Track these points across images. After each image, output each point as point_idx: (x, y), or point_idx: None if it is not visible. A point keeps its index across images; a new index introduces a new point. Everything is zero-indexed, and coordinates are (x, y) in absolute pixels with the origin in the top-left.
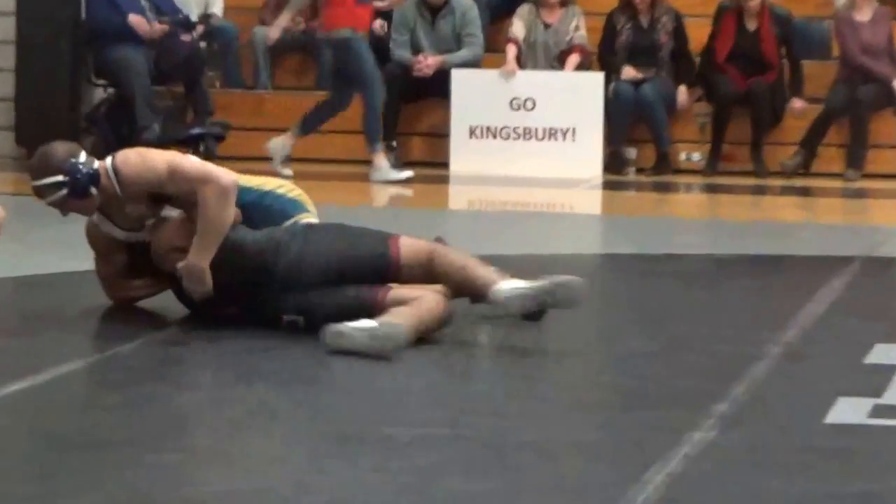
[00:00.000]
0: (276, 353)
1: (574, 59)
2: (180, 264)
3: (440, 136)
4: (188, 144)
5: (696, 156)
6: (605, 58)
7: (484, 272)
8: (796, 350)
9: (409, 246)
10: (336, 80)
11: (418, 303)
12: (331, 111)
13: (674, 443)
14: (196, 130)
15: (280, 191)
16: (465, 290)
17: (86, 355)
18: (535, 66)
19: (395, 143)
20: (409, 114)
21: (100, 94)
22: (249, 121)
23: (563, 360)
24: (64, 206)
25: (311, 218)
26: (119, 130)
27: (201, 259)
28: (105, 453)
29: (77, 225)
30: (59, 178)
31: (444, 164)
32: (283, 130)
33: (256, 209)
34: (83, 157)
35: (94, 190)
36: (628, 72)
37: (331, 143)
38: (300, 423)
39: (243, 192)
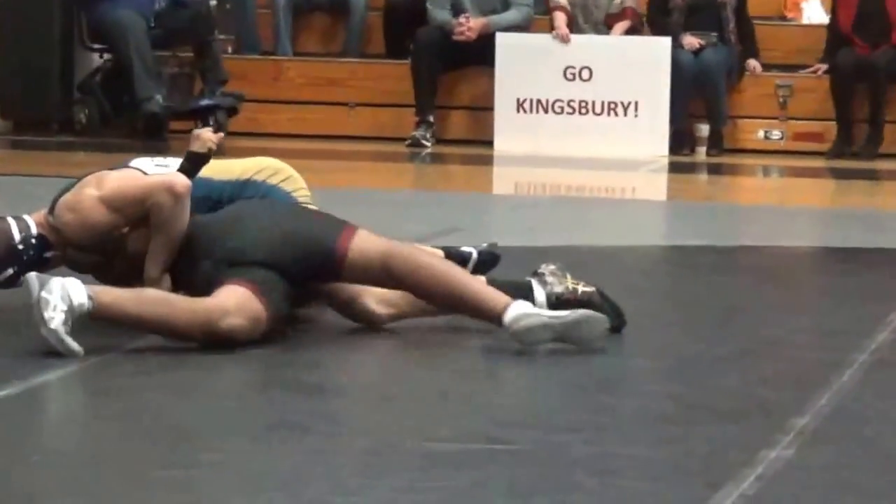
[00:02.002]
0: (295, 359)
1: (623, 24)
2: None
3: (484, 109)
4: (196, 118)
5: (775, 134)
6: (657, 20)
7: (487, 292)
8: (887, 356)
9: (364, 240)
10: None
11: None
12: None
13: (747, 461)
14: (205, 102)
15: (260, 177)
16: (453, 306)
17: (75, 360)
18: (578, 33)
19: (431, 118)
20: (449, 84)
21: (96, 60)
22: (267, 92)
23: (620, 367)
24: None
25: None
26: (117, 102)
27: (153, 270)
28: (105, 469)
29: None
30: (10, 271)
31: (489, 143)
32: (305, 104)
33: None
34: (16, 230)
35: (49, 254)
36: (689, 41)
37: (358, 118)
38: (322, 436)
39: (221, 187)
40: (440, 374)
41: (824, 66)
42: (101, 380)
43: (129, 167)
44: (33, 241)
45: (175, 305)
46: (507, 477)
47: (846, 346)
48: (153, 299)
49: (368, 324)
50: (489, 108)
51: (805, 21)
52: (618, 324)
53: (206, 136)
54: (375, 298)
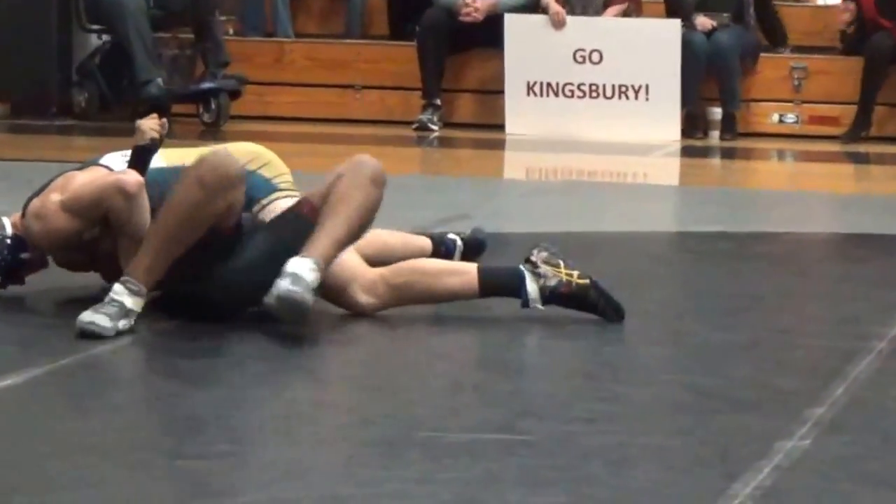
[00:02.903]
0: (305, 347)
1: (616, 8)
2: None
3: (492, 92)
4: (197, 101)
5: (790, 117)
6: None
7: (325, 234)
8: None
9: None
10: None
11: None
12: None
13: (763, 452)
14: (207, 85)
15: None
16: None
17: (85, 346)
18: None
19: (438, 102)
20: (456, 66)
21: (94, 42)
22: (270, 74)
23: (633, 355)
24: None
25: (283, 196)
26: (116, 85)
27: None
28: (111, 459)
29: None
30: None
31: (499, 126)
32: (309, 86)
33: None
34: None
35: (25, 255)
36: (701, 21)
37: (364, 101)
38: (333, 427)
39: (156, 172)
40: (452, 364)
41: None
42: (111, 368)
43: (98, 164)
44: (8, 241)
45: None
46: (521, 468)
47: (863, 334)
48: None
49: (356, 313)
50: (498, 92)
51: (820, 2)
52: (615, 319)
53: (148, 125)
54: (364, 289)
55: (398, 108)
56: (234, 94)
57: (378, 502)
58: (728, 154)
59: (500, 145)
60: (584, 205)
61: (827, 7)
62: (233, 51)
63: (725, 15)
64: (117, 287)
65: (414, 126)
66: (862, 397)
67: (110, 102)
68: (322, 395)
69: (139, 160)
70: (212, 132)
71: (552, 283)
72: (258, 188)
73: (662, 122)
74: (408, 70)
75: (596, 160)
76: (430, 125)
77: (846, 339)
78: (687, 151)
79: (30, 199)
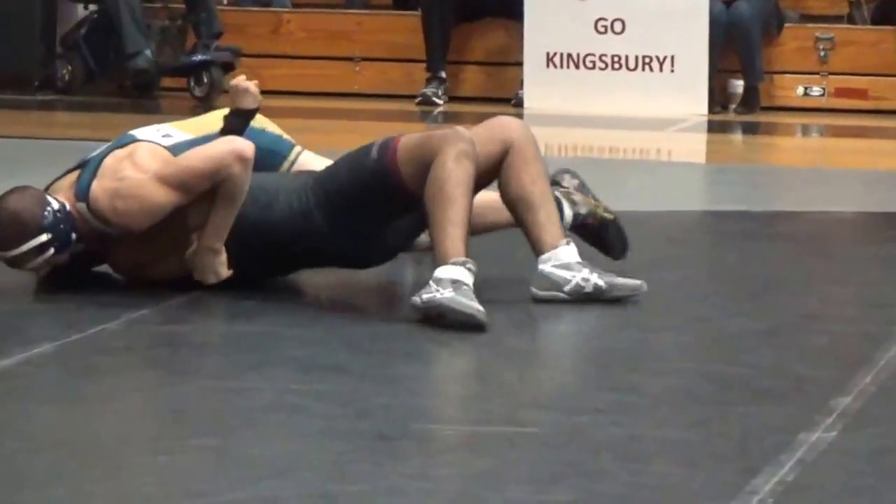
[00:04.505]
0: (297, 336)
1: None
2: (189, 251)
3: (501, 64)
4: (188, 75)
5: (816, 90)
6: None
7: (549, 221)
8: None
9: (407, 143)
10: None
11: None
12: None
13: (786, 445)
14: (198, 57)
15: (207, 129)
16: (515, 210)
17: (61, 335)
18: None
19: (443, 74)
20: (462, 37)
21: (80, 12)
22: (266, 46)
23: (648, 342)
24: (46, 266)
25: (301, 149)
26: (103, 57)
27: (216, 241)
28: (89, 454)
29: (47, 177)
30: (43, 238)
31: (507, 100)
32: (307, 58)
33: None
34: (53, 201)
35: (75, 236)
36: None
37: (364, 74)
38: (324, 419)
39: (207, 141)
40: (453, 351)
41: None
42: (87, 358)
43: (140, 140)
44: (65, 214)
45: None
46: (527, 462)
47: (892, 319)
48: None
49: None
50: (506, 63)
51: None
52: (619, 257)
53: (254, 88)
54: None
55: (400, 82)
56: (228, 67)
57: (371, 500)
58: (751, 129)
59: None
60: (603, 182)
61: None
62: (226, 21)
63: None
64: (461, 270)
65: (417, 100)
66: (891, 386)
67: (96, 76)
68: (313, 386)
69: (239, 126)
70: (204, 107)
71: (583, 210)
72: (280, 145)
73: (689, 94)
74: (411, 41)
75: (616, 135)
76: (434, 99)
77: (874, 325)
78: (709, 126)
79: (51, 186)
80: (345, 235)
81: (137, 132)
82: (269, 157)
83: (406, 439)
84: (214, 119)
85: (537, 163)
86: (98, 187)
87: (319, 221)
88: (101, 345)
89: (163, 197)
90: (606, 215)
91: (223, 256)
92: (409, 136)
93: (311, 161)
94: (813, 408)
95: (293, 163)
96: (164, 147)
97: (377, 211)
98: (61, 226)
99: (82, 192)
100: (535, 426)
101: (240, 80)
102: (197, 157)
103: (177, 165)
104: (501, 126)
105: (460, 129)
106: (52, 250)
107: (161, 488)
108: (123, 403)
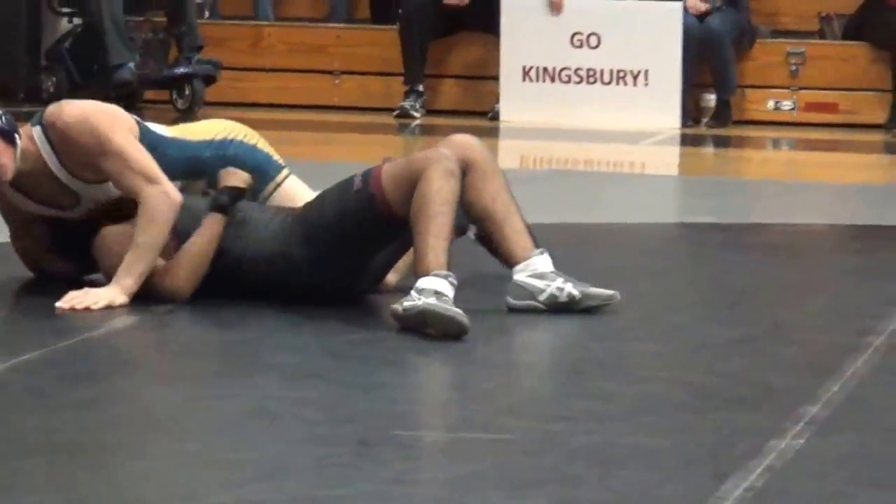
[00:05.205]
0: (280, 343)
1: None
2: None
3: (478, 78)
4: (171, 87)
5: (787, 104)
6: None
7: (517, 233)
8: None
9: (392, 167)
10: None
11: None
12: None
13: (755, 451)
14: (181, 70)
15: (240, 137)
16: (482, 228)
17: (45, 342)
18: None
19: (421, 88)
20: (440, 51)
21: (65, 25)
22: (246, 59)
23: (622, 351)
24: None
25: (287, 173)
26: (87, 69)
27: (131, 282)
28: (74, 460)
29: None
30: None
31: (483, 113)
32: (287, 71)
33: (221, 163)
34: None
35: (17, 137)
36: (693, 4)
37: (343, 87)
38: (306, 425)
39: (201, 146)
40: (432, 360)
41: None
42: (74, 365)
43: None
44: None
45: None
46: (503, 468)
47: (861, 329)
48: None
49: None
50: (483, 77)
51: None
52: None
53: (244, 173)
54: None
55: (379, 95)
56: (209, 80)
57: (353, 503)
58: (723, 142)
59: (488, 133)
60: (577, 195)
61: None
62: (208, 34)
63: None
64: (443, 283)
65: (395, 113)
66: (858, 395)
67: (80, 87)
68: (296, 393)
69: (225, 202)
70: (186, 119)
71: None
72: (266, 161)
73: (662, 108)
74: (389, 55)
75: (591, 148)
76: (412, 112)
77: (843, 335)
78: (682, 140)
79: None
80: (327, 270)
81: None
82: (257, 175)
83: (386, 445)
84: (197, 127)
85: (497, 177)
86: (57, 108)
87: (299, 260)
88: (87, 352)
89: (96, 136)
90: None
91: (123, 297)
92: (392, 162)
93: (294, 188)
94: (782, 415)
95: (279, 185)
96: (135, 118)
97: (363, 242)
98: (8, 116)
99: (37, 118)
100: (511, 433)
101: (229, 168)
102: (141, 152)
103: (127, 141)
104: (461, 145)
105: (443, 149)
106: None
107: (147, 492)
108: (110, 409)
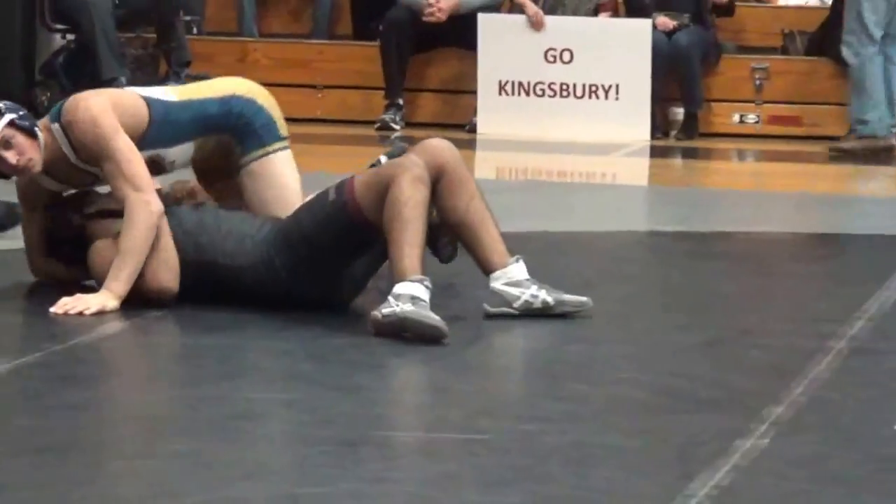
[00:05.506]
0: (262, 346)
1: (603, 17)
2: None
3: (456, 92)
4: None
5: (751, 117)
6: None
7: (493, 240)
8: (864, 344)
9: (364, 175)
10: None
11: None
12: None
13: (722, 451)
14: (170, 84)
15: (248, 95)
16: (457, 234)
17: (37, 347)
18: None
19: (401, 101)
20: (419, 66)
21: (58, 42)
22: (233, 73)
23: (593, 354)
24: (9, 146)
25: (276, 149)
26: (80, 83)
27: (119, 285)
28: (65, 459)
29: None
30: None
31: (461, 126)
32: (272, 85)
33: (227, 118)
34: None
35: (38, 130)
36: (661, 21)
37: (326, 100)
38: (290, 425)
39: (206, 103)
40: (410, 363)
41: None
42: (68, 368)
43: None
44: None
45: None
46: (479, 467)
47: (823, 334)
48: None
49: None
50: (461, 91)
51: (781, 2)
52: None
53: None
54: None
55: (360, 108)
56: None
57: (333, 502)
58: (691, 154)
59: (466, 145)
60: (551, 204)
61: (789, 7)
62: (196, 50)
63: (686, 15)
64: (419, 287)
65: (376, 126)
66: (821, 397)
67: None
68: (280, 395)
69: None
70: None
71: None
72: (265, 134)
73: (632, 121)
74: (370, 69)
75: (565, 159)
76: (392, 125)
77: (806, 339)
78: (652, 151)
79: None
80: (307, 280)
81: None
82: (248, 138)
83: (366, 445)
84: (206, 85)
85: (469, 183)
86: (73, 104)
87: (281, 271)
88: (81, 355)
89: (98, 143)
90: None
91: (114, 302)
92: (364, 172)
93: (280, 165)
94: (748, 416)
95: (267, 154)
96: (143, 97)
97: (340, 251)
98: (21, 107)
99: (55, 113)
100: (486, 433)
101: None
102: (135, 157)
103: (125, 144)
104: (432, 152)
105: (413, 157)
106: (10, 115)
107: (138, 490)
108: (102, 411)
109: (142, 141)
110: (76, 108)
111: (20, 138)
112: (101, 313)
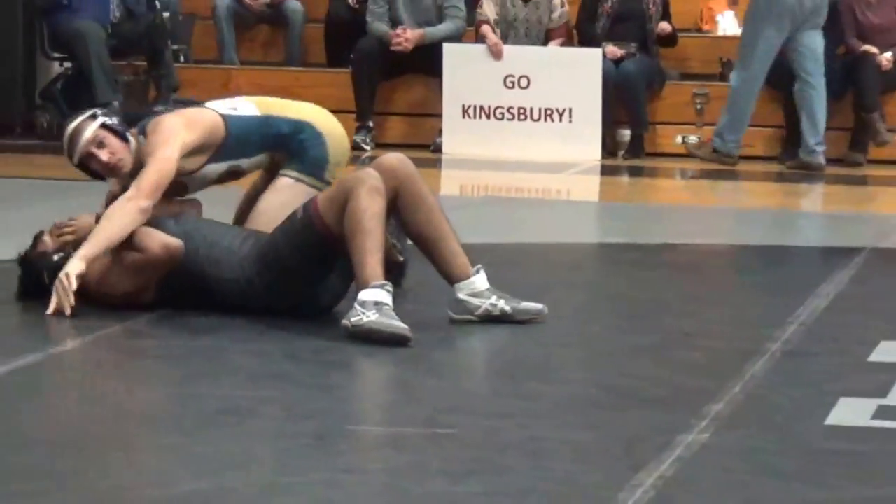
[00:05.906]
0: (245, 348)
1: (555, 44)
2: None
3: (421, 115)
4: None
5: (693, 138)
6: (585, 28)
7: (453, 253)
8: (796, 347)
9: (326, 191)
10: None
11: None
12: None
13: (666, 444)
14: (159, 108)
15: (318, 124)
16: (420, 248)
17: (39, 349)
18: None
19: (371, 124)
20: (387, 92)
21: (56, 69)
22: (217, 97)
23: (549, 356)
24: (102, 145)
25: (315, 184)
26: (76, 107)
27: (84, 251)
28: (65, 452)
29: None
30: (95, 109)
31: (427, 146)
32: None
33: (293, 142)
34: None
35: (129, 135)
36: (610, 50)
37: None
38: (270, 421)
39: (280, 122)
40: (381, 363)
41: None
42: (63, 369)
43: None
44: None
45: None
46: (444, 459)
47: (758, 337)
48: None
49: None
50: (426, 114)
51: (720, 33)
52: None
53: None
54: None
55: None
56: None
57: (311, 490)
58: (637, 172)
59: (431, 164)
60: (506, 218)
61: (727, 37)
62: (183, 76)
63: (633, 45)
64: (381, 293)
65: None
66: (757, 395)
67: None
68: (261, 393)
69: None
70: None
71: None
72: (317, 164)
73: (584, 142)
74: (342, 94)
75: (522, 177)
76: (363, 145)
77: (743, 342)
78: (602, 170)
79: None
80: (284, 295)
81: (209, 103)
82: (296, 158)
83: (340, 439)
84: (293, 106)
85: (427, 198)
86: (157, 119)
87: (259, 287)
88: (76, 357)
89: (159, 151)
90: (398, 258)
91: (79, 264)
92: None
93: (299, 198)
94: (690, 413)
95: (297, 181)
96: (221, 114)
97: (313, 265)
98: (111, 113)
99: (142, 126)
100: (451, 428)
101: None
102: (152, 174)
103: (164, 156)
104: (388, 169)
105: (369, 169)
106: (101, 118)
107: (131, 479)
108: (96, 408)
109: (219, 153)
110: (156, 123)
111: (112, 139)
112: (78, 278)
